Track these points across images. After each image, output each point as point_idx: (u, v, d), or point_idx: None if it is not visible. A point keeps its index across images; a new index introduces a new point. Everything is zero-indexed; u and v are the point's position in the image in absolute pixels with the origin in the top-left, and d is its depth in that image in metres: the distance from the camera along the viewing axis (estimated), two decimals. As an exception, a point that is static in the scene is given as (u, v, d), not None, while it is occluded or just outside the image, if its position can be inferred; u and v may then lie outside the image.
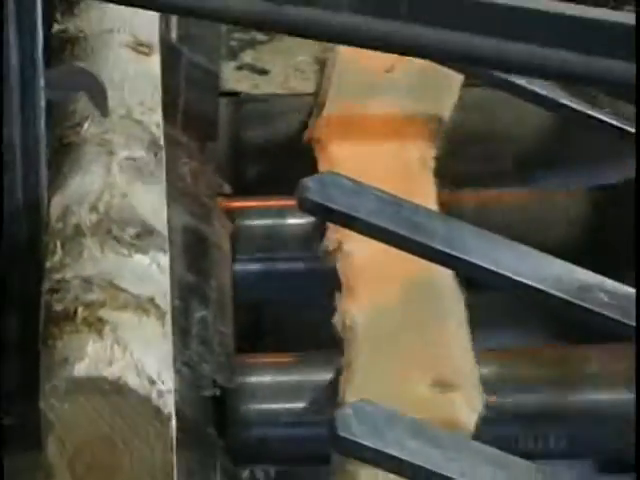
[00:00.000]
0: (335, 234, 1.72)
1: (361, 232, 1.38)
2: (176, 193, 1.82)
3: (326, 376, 1.67)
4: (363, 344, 1.59)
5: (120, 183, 1.42)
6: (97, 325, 1.22)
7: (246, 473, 1.82)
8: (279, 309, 2.11)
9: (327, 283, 1.76)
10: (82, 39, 1.65)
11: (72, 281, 1.28)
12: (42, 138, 1.42)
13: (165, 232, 1.39)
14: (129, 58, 1.63)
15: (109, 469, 1.17)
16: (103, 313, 1.23)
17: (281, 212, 1.95)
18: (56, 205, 1.41)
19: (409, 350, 1.59)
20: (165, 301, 1.31)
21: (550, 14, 0.89)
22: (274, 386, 1.75)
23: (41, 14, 1.35)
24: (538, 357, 1.85)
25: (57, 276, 1.30)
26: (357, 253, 1.69)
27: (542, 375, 1.77)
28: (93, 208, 1.38)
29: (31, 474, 1.30)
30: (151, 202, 1.42)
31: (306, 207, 1.35)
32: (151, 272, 1.33)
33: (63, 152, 1.49)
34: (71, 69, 1.55)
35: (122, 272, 1.30)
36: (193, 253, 1.83)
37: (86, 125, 1.50)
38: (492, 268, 1.29)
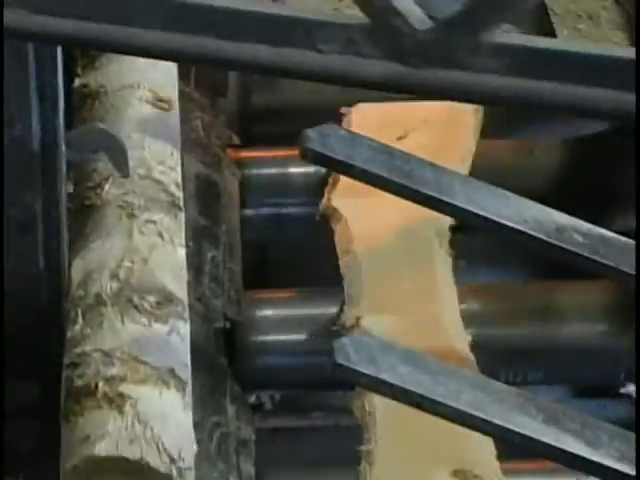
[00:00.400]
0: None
1: (357, 179, 1.38)
2: (189, 144, 1.82)
3: (326, 310, 1.74)
4: (382, 431, 1.54)
5: (141, 248, 1.38)
6: (118, 401, 1.18)
7: (253, 398, 1.88)
8: (283, 250, 2.18)
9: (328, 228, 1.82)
10: (102, 94, 1.62)
11: (92, 354, 1.24)
12: (63, 203, 1.42)
13: (185, 298, 1.35)
14: (149, 114, 1.59)
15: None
16: (124, 388, 1.20)
17: (286, 161, 2.00)
18: (77, 270, 1.38)
19: (428, 439, 1.53)
20: (185, 371, 1.27)
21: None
22: (279, 319, 1.82)
23: (62, 81, 1.34)
24: (518, 293, 1.91)
25: (78, 350, 1.25)
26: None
27: (522, 309, 1.84)
28: (114, 275, 1.33)
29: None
30: (171, 267, 1.38)
31: (307, 156, 1.34)
32: (171, 342, 1.29)
33: (84, 214, 1.46)
34: (91, 130, 1.51)
35: (142, 343, 1.26)
36: (205, 199, 1.85)
37: (107, 186, 1.46)
38: (477, 212, 1.32)
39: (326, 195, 1.74)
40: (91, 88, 1.63)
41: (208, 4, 0.92)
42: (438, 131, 1.76)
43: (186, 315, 1.32)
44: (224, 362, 1.69)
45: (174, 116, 1.62)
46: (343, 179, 1.73)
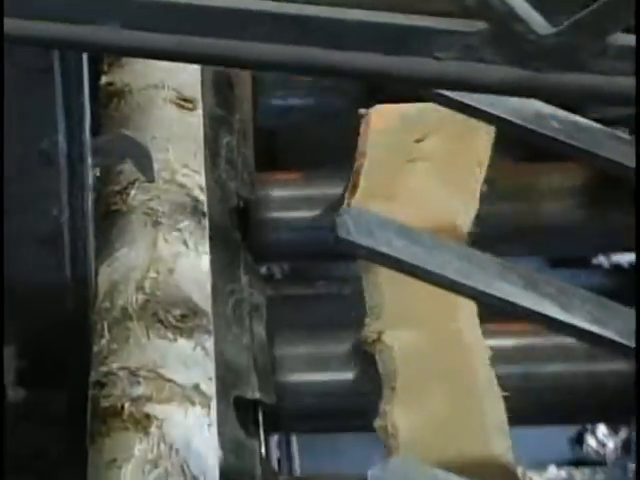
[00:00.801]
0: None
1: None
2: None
3: (331, 190, 1.90)
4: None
5: (166, 257, 1.41)
6: (144, 422, 1.20)
7: (264, 269, 2.17)
8: (292, 135, 2.46)
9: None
10: (128, 93, 1.65)
11: (119, 373, 1.26)
12: (89, 214, 1.45)
13: (209, 309, 1.37)
14: (173, 115, 1.63)
15: None
16: (149, 408, 1.22)
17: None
18: (103, 279, 1.40)
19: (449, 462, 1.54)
20: (210, 386, 1.29)
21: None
22: (288, 198, 2.02)
23: (88, 93, 1.37)
24: (500, 171, 1.98)
25: (104, 368, 1.27)
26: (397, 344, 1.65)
27: (503, 187, 1.97)
28: (139, 287, 1.36)
29: None
30: (195, 278, 1.41)
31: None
32: (196, 357, 1.31)
33: (110, 219, 1.49)
34: (118, 137, 1.53)
35: (167, 360, 1.28)
36: (221, 91, 1.95)
37: (133, 191, 1.49)
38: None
39: (346, 199, 1.78)
40: (117, 86, 1.67)
41: (321, 16, 0.95)
42: (455, 134, 1.79)
43: (210, 328, 1.35)
44: (238, 237, 1.84)
45: (198, 116, 1.66)
46: (363, 183, 1.78)
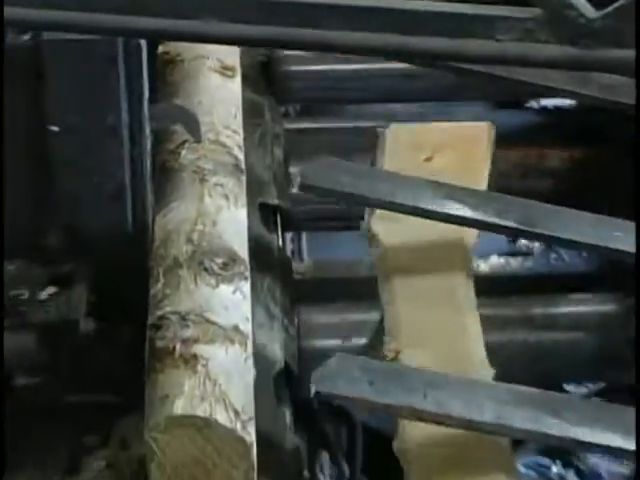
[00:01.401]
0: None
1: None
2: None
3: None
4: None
5: (210, 210, 1.55)
6: (192, 361, 1.33)
7: (283, 109, 2.54)
8: None
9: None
10: (179, 62, 1.83)
11: (171, 317, 1.39)
12: (148, 174, 1.69)
13: (246, 258, 1.52)
14: (216, 82, 1.80)
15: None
16: (197, 349, 1.34)
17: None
18: (159, 229, 1.56)
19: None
20: (247, 325, 1.43)
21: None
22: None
23: (146, 70, 1.60)
24: None
25: (159, 312, 1.41)
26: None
27: None
28: (189, 239, 1.50)
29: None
30: (235, 229, 1.56)
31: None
32: (235, 300, 1.44)
33: (165, 175, 1.65)
34: (170, 105, 1.74)
35: (212, 304, 1.41)
36: None
37: (183, 151, 1.64)
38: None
39: (366, 218, 1.84)
40: (171, 55, 1.85)
41: (394, 7, 1.11)
42: (460, 151, 1.87)
43: (247, 274, 1.50)
44: (264, 85, 2.35)
45: (237, 82, 1.85)
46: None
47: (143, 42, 1.60)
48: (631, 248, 1.50)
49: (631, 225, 1.52)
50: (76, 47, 1.53)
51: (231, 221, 1.57)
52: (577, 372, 2.48)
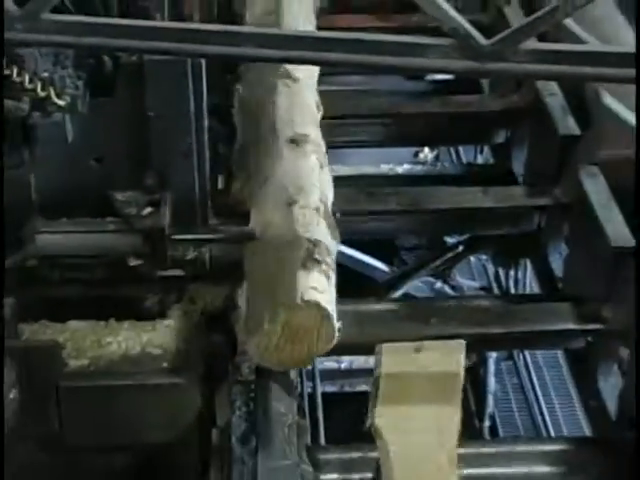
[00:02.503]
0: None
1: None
2: None
3: None
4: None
5: None
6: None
7: None
8: None
9: None
10: None
11: None
12: (205, 144, 2.50)
13: None
14: None
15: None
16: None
17: None
18: None
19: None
20: None
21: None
22: None
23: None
24: None
25: None
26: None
27: None
28: None
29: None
30: None
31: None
32: None
33: None
34: None
35: None
36: None
37: None
38: None
39: (370, 409, 2.03)
40: None
41: (370, 39, 1.71)
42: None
43: None
44: None
45: None
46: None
47: (203, 61, 2.43)
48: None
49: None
50: (162, 64, 2.38)
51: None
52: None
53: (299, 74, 2.82)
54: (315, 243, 2.31)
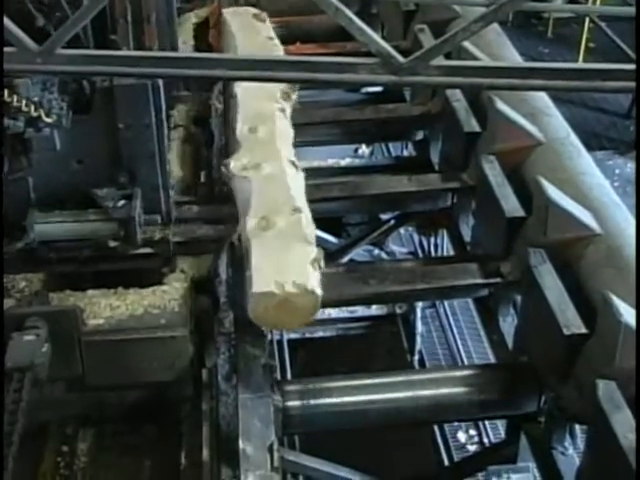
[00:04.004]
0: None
1: None
2: None
3: None
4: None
5: None
6: None
7: None
8: None
9: None
10: None
11: None
12: (166, 145, 2.62)
13: None
14: None
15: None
16: None
17: None
18: None
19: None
20: None
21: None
22: None
23: None
24: None
25: None
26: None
27: None
28: None
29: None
30: None
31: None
32: None
33: None
34: None
35: None
36: None
37: None
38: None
39: None
40: None
41: (316, 60, 1.73)
42: None
43: None
44: None
45: None
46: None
47: (160, 82, 2.47)
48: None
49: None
50: (129, 87, 2.46)
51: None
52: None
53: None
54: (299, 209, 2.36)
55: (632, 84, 1.57)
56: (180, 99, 3.26)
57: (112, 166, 2.58)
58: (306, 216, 2.35)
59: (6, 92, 2.26)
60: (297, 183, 2.50)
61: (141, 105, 2.49)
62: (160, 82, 2.49)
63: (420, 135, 3.90)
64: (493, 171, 3.05)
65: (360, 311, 5.04)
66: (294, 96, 2.92)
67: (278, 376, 2.61)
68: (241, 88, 2.88)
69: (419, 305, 5.10)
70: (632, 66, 1.56)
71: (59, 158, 2.53)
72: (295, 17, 4.21)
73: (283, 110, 2.85)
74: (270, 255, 2.22)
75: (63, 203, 2.58)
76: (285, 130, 2.80)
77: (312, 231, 2.31)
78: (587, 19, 8.16)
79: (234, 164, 2.59)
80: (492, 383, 2.67)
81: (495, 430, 4.50)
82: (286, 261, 2.21)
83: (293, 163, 2.58)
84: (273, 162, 2.58)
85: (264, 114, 2.81)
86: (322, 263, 2.23)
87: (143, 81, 2.44)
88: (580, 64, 1.62)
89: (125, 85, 2.46)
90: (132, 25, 2.48)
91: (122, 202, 2.57)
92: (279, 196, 2.42)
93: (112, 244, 2.57)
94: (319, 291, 2.15)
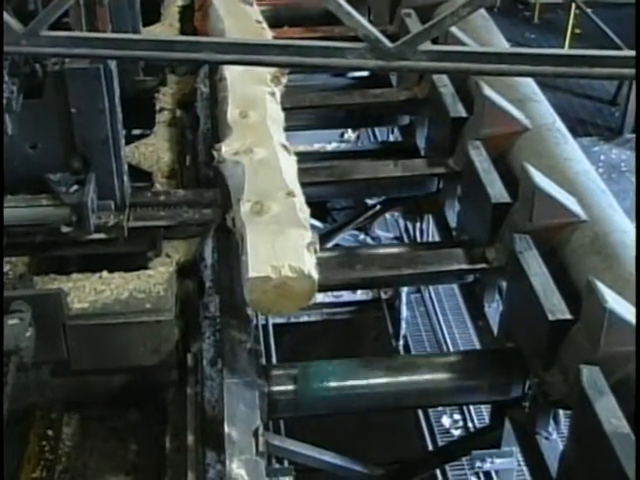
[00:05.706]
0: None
1: None
2: None
3: None
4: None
5: None
6: None
7: None
8: None
9: None
10: None
11: None
12: (120, 129, 2.53)
13: None
14: None
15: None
16: None
17: None
18: None
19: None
20: None
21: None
22: None
23: None
24: None
25: None
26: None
27: None
28: None
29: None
30: None
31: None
32: None
33: None
34: None
35: None
36: None
37: None
38: None
39: None
40: None
41: (304, 44, 1.76)
42: None
43: None
44: None
45: None
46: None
47: (113, 66, 2.42)
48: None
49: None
50: (81, 70, 2.40)
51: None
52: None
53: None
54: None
55: (620, 70, 1.59)
56: (165, 82, 3.23)
57: (66, 151, 2.54)
58: (300, 200, 2.33)
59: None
60: (290, 167, 2.48)
61: (94, 89, 2.44)
62: (113, 66, 2.42)
63: (406, 120, 3.90)
64: (479, 157, 3.05)
65: (345, 296, 5.05)
66: (284, 80, 2.90)
67: (263, 361, 2.58)
68: (230, 71, 2.87)
69: (404, 290, 5.11)
70: (619, 52, 1.58)
71: (12, 143, 2.47)
72: (283, 0, 4.19)
73: (273, 94, 2.84)
74: (265, 239, 2.21)
75: (16, 188, 2.53)
76: (276, 114, 2.78)
77: (307, 215, 2.29)
78: (573, 5, 8.17)
79: (226, 149, 2.57)
80: (477, 369, 2.68)
81: (479, 415, 4.53)
82: (282, 245, 2.20)
83: (285, 147, 2.56)
84: (265, 146, 2.56)
85: (255, 98, 2.79)
86: (317, 247, 2.21)
87: (95, 65, 2.38)
88: (568, 50, 1.61)
89: (76, 68, 2.40)
90: (84, 7, 2.42)
91: (75, 187, 2.52)
92: (273, 180, 2.39)
93: (65, 229, 2.52)
94: (315, 275, 2.14)
